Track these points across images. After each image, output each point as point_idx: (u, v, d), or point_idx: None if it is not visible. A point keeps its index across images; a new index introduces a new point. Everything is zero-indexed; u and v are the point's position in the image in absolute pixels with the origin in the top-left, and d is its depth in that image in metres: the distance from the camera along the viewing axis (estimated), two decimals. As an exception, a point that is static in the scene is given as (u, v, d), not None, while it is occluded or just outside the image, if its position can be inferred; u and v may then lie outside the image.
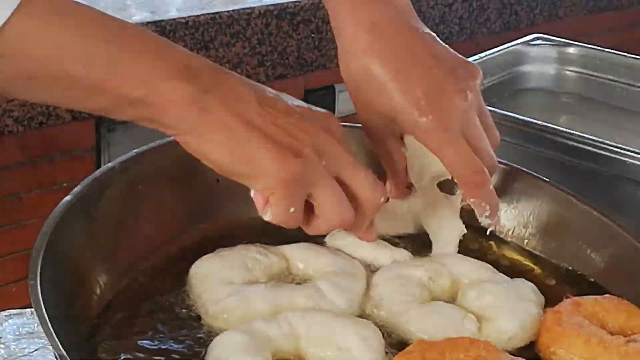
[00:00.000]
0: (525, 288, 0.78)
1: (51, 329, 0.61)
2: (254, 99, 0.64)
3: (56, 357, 0.61)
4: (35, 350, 0.75)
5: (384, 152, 0.80)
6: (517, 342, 0.74)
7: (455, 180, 0.78)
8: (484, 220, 0.78)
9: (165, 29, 1.88)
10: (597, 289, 0.81)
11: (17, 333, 0.76)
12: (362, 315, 0.75)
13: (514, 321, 0.74)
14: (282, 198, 0.65)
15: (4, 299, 1.72)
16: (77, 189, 0.76)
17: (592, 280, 0.83)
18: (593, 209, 0.84)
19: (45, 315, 0.62)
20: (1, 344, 0.74)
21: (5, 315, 0.78)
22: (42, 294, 0.64)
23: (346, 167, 0.67)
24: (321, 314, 0.72)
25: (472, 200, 0.77)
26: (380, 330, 0.72)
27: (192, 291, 0.76)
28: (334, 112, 2.32)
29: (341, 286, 0.77)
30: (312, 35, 2.08)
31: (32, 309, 0.77)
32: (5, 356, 0.73)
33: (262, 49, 2.06)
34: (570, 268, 0.85)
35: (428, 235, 0.85)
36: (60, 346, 0.60)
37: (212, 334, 0.71)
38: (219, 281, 0.76)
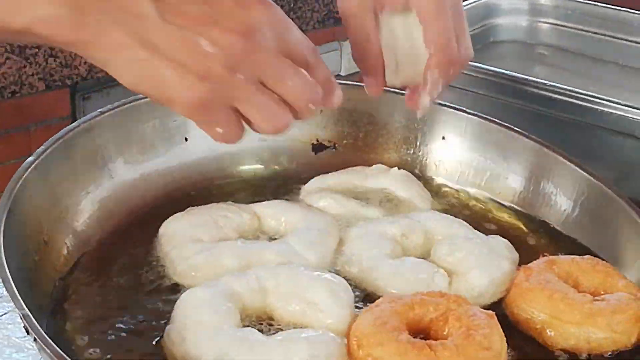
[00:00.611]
0: (499, 245, 0.77)
1: (14, 288, 0.60)
2: (154, 10, 0.57)
3: (21, 318, 0.60)
4: (4, 314, 0.74)
5: (360, 35, 0.75)
6: (487, 298, 0.73)
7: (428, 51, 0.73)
8: (423, 100, 0.75)
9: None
10: (580, 249, 0.80)
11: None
12: (333, 271, 0.74)
13: (484, 277, 0.73)
14: (200, 123, 0.62)
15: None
16: (39, 149, 0.75)
17: (574, 238, 0.82)
18: (566, 158, 0.83)
19: (9, 275, 0.61)
20: (-32, 309, 0.73)
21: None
22: (5, 255, 0.63)
23: (269, 73, 0.61)
24: (290, 269, 0.71)
25: (434, 75, 0.73)
26: (350, 285, 0.72)
27: (161, 250, 0.75)
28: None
29: (312, 241, 0.76)
30: (288, -2, 2.06)
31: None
32: (-27, 321, 0.72)
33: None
34: (545, 220, 0.84)
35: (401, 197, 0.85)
36: (23, 305, 0.59)
37: (179, 292, 0.70)
38: (188, 239, 0.75)
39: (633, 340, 0.69)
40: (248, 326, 0.67)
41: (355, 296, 0.71)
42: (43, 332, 0.58)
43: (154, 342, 0.66)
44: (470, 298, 0.71)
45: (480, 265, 0.74)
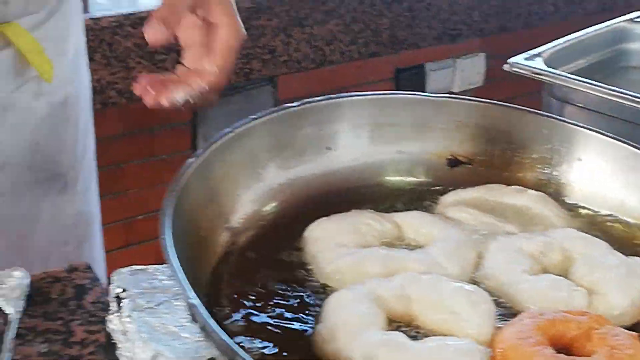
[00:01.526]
0: (639, 265, 0.78)
1: (184, 279, 0.64)
2: None
3: (188, 306, 0.64)
4: (160, 304, 0.79)
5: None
6: (627, 319, 0.74)
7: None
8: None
9: (261, 5, 1.92)
10: None
11: (142, 287, 0.80)
12: (472, 282, 0.77)
13: (625, 297, 0.74)
14: None
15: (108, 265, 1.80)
16: (199, 151, 0.80)
17: None
18: None
19: (178, 263, 0.65)
20: (127, 297, 0.78)
21: (130, 272, 0.82)
22: (174, 247, 0.67)
23: None
24: (433, 278, 0.74)
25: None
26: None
27: (306, 252, 0.79)
28: (423, 91, 2.33)
29: (452, 253, 0.78)
30: (405, 14, 2.09)
31: (155, 266, 0.82)
32: (131, 308, 0.77)
33: (355, 27, 2.08)
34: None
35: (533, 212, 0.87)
36: (193, 294, 0.63)
37: (327, 293, 0.74)
38: (334, 243, 0.78)
39: None
40: (394, 330, 0.70)
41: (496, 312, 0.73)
42: (212, 321, 0.62)
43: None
44: (610, 318, 0.71)
45: (621, 285, 0.75)
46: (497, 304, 0.75)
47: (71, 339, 0.79)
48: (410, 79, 2.22)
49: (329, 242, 0.79)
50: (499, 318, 0.72)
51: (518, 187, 0.89)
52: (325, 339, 0.68)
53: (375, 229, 0.81)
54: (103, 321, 0.78)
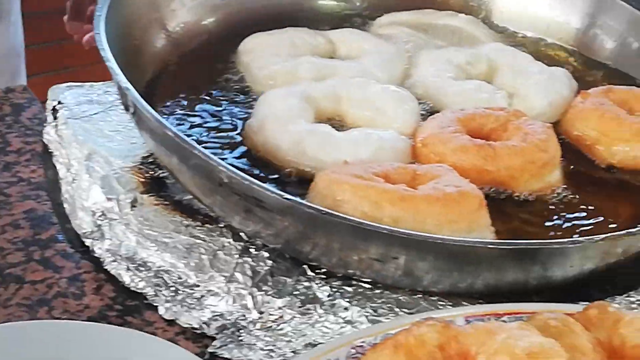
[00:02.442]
0: (560, 73, 0.82)
1: (115, 64, 0.66)
2: None
3: (119, 88, 0.66)
4: (95, 113, 0.80)
5: None
6: (545, 119, 0.76)
7: None
8: None
9: None
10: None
11: (78, 100, 0.81)
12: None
13: (543, 99, 0.78)
14: None
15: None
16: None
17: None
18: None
19: (110, 54, 0.66)
20: (64, 107, 0.79)
21: (67, 87, 0.83)
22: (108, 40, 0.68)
23: None
24: (362, 80, 0.77)
25: None
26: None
27: (240, 63, 0.81)
28: None
29: (383, 62, 0.81)
30: None
31: (91, 83, 0.84)
32: (69, 116, 0.78)
33: None
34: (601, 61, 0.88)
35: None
36: (125, 79, 0.65)
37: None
38: (267, 53, 0.80)
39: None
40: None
41: (421, 112, 0.76)
42: (143, 101, 0.64)
43: (236, 133, 0.72)
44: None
45: (541, 88, 0.79)
46: (424, 107, 0.78)
47: (8, 148, 0.80)
48: None
49: (262, 52, 0.81)
50: (423, 116, 0.76)
51: (450, 11, 0.92)
52: (255, 130, 0.71)
53: (310, 43, 0.83)
54: (40, 134, 0.80)
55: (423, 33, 0.88)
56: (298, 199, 0.57)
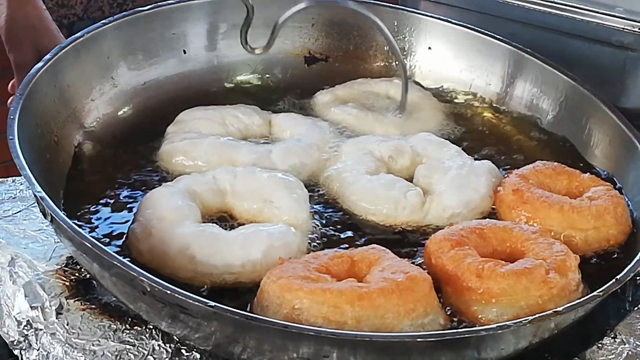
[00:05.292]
0: (483, 168, 0.78)
1: (30, 174, 0.64)
2: None
3: (36, 197, 0.64)
4: (19, 211, 0.78)
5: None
6: (458, 220, 0.73)
7: None
8: None
9: None
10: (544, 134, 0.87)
11: (1, 198, 0.80)
12: (316, 185, 0.78)
13: (458, 198, 0.74)
14: None
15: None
16: (47, 56, 0.79)
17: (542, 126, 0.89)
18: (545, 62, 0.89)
19: (24, 163, 0.65)
20: (-14, 207, 0.77)
21: (-12, 184, 0.81)
22: (20, 147, 0.67)
23: None
24: (247, 169, 0.74)
25: None
26: (329, 203, 0.75)
27: (165, 135, 0.81)
28: None
29: (292, 151, 0.78)
30: None
31: (14, 177, 0.82)
32: (-9, 215, 0.76)
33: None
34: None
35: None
36: (39, 188, 0.63)
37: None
38: (189, 129, 0.80)
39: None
40: (209, 222, 0.71)
41: (332, 216, 0.74)
42: (59, 211, 0.63)
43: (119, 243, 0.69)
44: (440, 219, 0.74)
45: (455, 187, 0.75)
46: (337, 209, 0.75)
47: None
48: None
49: (184, 127, 0.80)
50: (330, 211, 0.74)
51: (384, 78, 0.93)
52: (140, 238, 0.67)
53: (243, 123, 0.82)
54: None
55: (368, 110, 0.88)
56: (221, 306, 0.56)
